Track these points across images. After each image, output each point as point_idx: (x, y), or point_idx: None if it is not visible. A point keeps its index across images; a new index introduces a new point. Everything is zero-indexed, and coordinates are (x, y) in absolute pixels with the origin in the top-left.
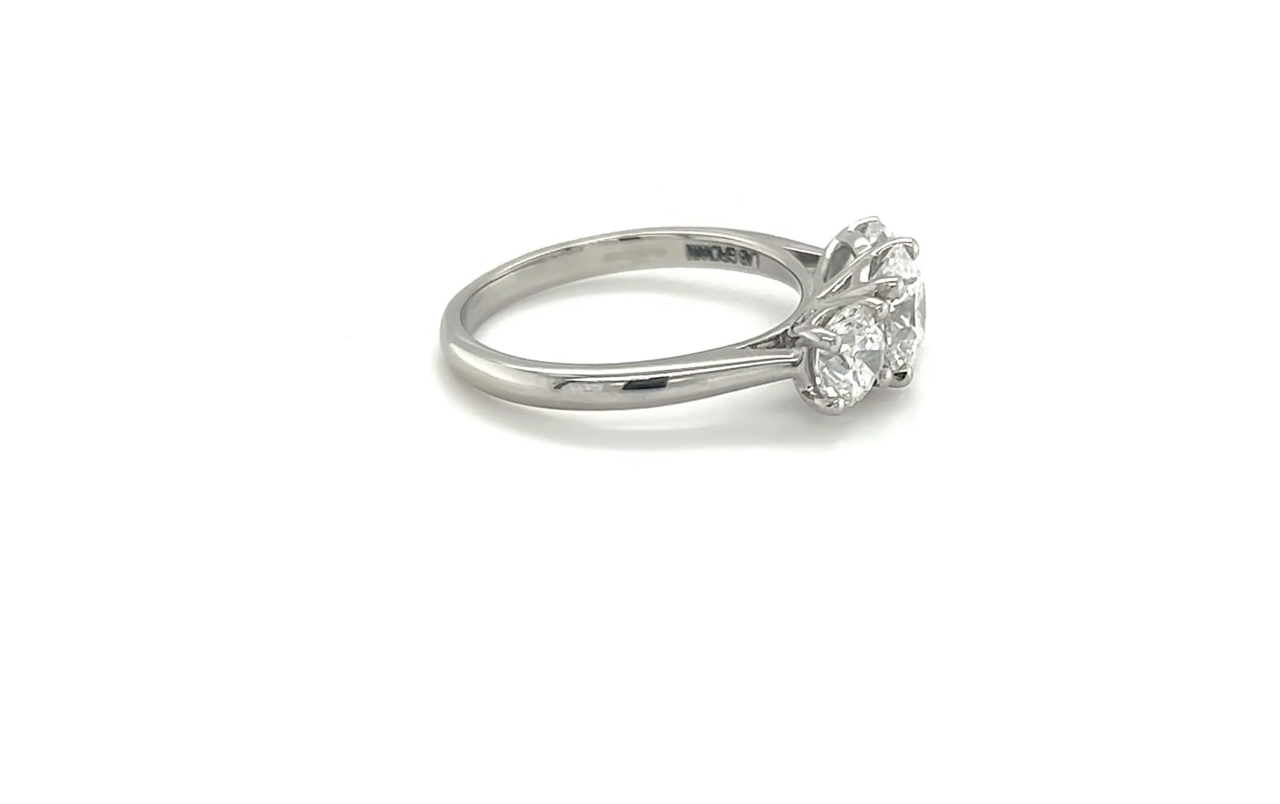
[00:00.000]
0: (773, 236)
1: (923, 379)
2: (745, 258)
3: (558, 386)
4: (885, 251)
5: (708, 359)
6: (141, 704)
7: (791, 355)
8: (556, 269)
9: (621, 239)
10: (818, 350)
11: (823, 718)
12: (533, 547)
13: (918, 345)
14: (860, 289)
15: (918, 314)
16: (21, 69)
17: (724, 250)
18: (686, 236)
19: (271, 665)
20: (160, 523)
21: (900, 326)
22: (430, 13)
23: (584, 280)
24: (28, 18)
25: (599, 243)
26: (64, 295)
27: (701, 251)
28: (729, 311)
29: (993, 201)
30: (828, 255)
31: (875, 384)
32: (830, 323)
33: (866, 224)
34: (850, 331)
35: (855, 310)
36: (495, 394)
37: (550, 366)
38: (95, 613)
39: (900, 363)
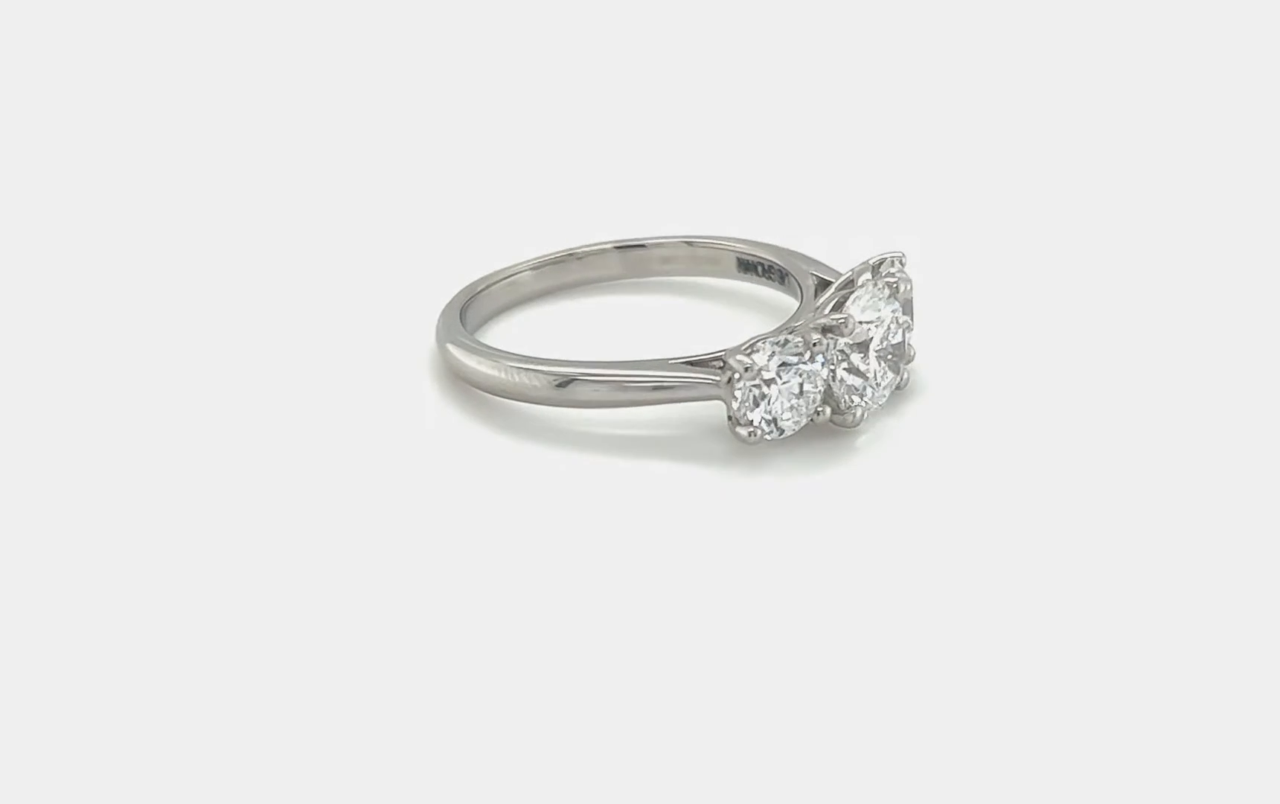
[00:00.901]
0: (809, 259)
1: (886, 422)
2: (781, 277)
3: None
4: (860, 286)
5: (634, 369)
6: (130, 703)
7: (715, 378)
8: (573, 270)
9: (633, 244)
10: (735, 377)
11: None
12: (482, 547)
13: (877, 387)
14: (807, 322)
15: (879, 356)
16: (16, 70)
17: (766, 267)
18: (735, 250)
19: (264, 665)
20: (155, 521)
21: (849, 366)
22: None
23: (596, 284)
24: (27, 18)
25: (656, 245)
26: (64, 296)
27: (750, 267)
28: (739, 323)
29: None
30: (835, 285)
31: (813, 420)
32: (755, 352)
33: (883, 260)
34: (778, 364)
35: (787, 342)
36: (475, 386)
37: (492, 356)
38: (87, 610)
39: (848, 403)
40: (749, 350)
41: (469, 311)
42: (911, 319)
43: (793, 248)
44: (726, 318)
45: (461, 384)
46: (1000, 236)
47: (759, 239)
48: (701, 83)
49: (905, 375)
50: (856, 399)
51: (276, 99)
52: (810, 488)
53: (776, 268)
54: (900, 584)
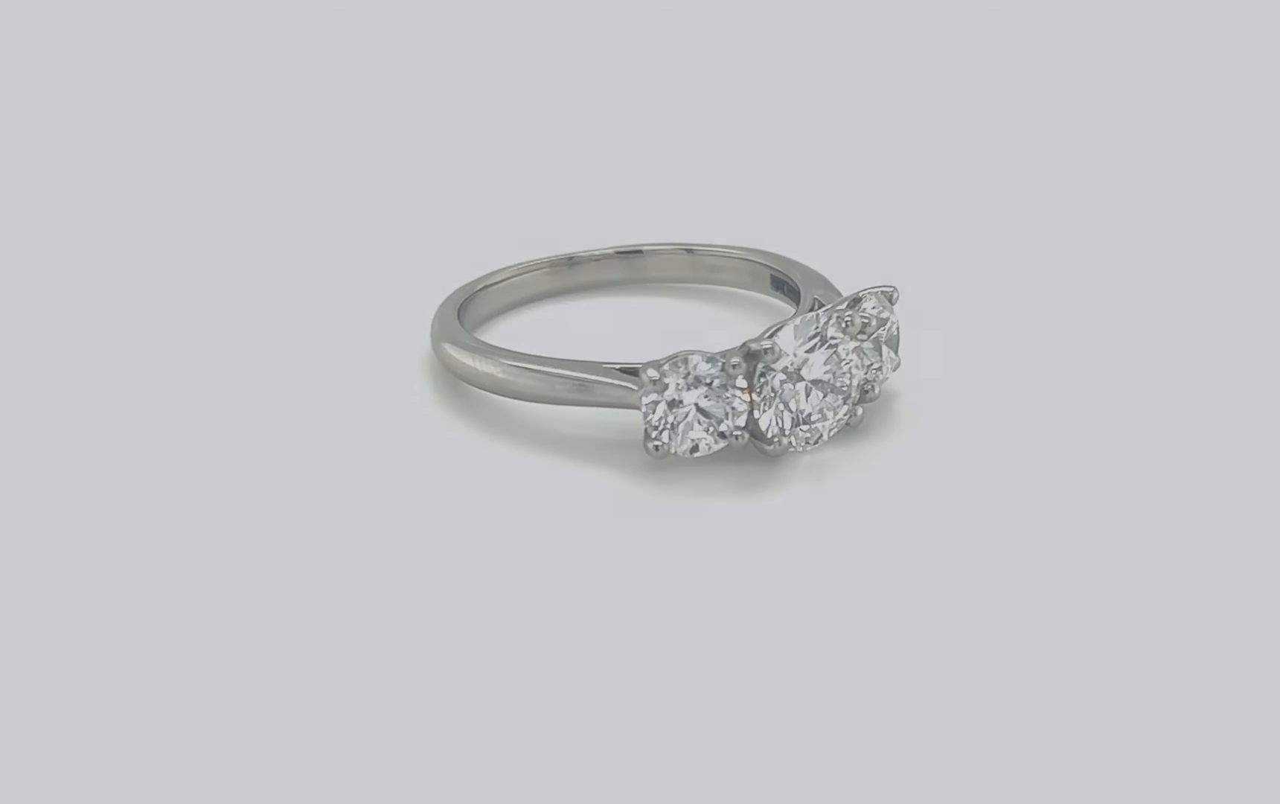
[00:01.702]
0: (824, 283)
1: (828, 455)
2: (795, 297)
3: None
4: (801, 313)
5: (560, 367)
6: (121, 701)
7: (632, 387)
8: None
9: (633, 249)
10: (644, 391)
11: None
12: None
13: (808, 420)
14: (737, 347)
15: (819, 387)
16: (16, 70)
17: (789, 285)
18: (742, 259)
19: (258, 665)
20: (149, 521)
21: (783, 394)
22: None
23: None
24: (27, 18)
25: (688, 249)
26: (61, 296)
27: (779, 284)
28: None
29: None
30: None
31: (732, 443)
32: (668, 368)
33: (865, 294)
34: (690, 383)
35: (700, 361)
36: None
37: (480, 352)
38: (78, 608)
39: (773, 430)
40: (664, 365)
41: (466, 311)
42: (883, 357)
43: (817, 269)
44: (727, 326)
45: (454, 382)
46: (1004, 269)
47: (787, 256)
48: (715, 92)
49: (859, 412)
50: (786, 427)
51: (278, 103)
52: (718, 511)
53: (795, 287)
54: (777, 614)
